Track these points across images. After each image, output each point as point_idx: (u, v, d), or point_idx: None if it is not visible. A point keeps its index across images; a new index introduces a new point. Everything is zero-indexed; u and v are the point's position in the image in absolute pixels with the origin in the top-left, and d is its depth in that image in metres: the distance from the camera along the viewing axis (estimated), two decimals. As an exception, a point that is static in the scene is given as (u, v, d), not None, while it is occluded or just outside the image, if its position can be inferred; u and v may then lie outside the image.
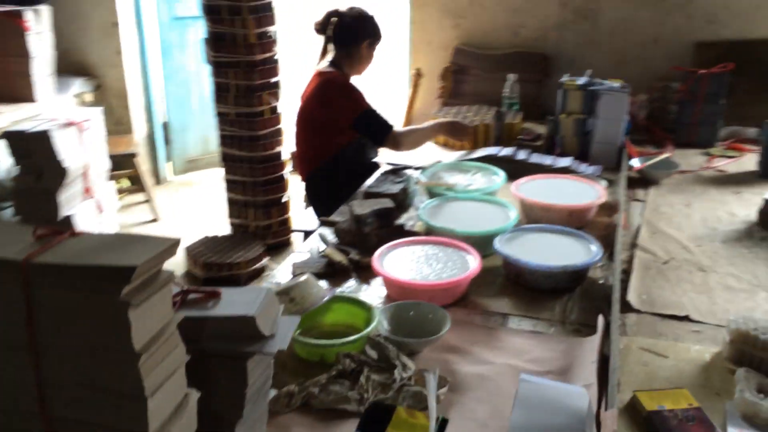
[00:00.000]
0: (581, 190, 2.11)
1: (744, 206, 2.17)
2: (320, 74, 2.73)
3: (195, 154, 4.89)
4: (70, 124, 3.18)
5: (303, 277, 1.50)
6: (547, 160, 2.50)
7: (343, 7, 2.78)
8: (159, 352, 0.86)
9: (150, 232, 4.00)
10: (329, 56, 2.79)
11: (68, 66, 4.45)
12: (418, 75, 3.38)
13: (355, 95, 2.68)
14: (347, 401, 1.22)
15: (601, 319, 1.42)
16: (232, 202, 3.61)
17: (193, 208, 4.37)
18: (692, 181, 2.42)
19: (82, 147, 3.24)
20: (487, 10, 3.41)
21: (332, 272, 1.78)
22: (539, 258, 1.67)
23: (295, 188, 3.79)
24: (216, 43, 3.35)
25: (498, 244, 1.74)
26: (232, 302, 1.11)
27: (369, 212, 1.88)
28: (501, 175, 2.21)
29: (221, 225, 3.94)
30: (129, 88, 4.45)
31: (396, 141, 2.66)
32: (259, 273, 3.37)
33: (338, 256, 1.80)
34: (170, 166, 4.85)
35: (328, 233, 2.00)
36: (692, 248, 1.87)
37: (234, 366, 1.08)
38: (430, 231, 1.92)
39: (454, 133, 2.74)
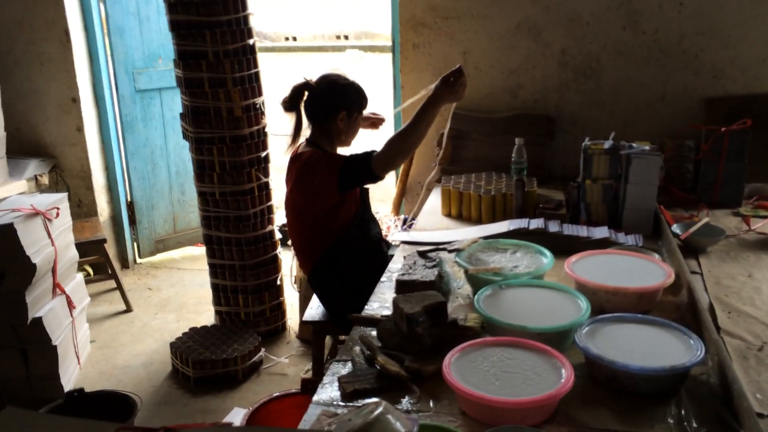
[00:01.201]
0: (640, 267, 1.90)
1: (808, 274, 2.01)
2: (296, 158, 2.44)
3: (163, 234, 4.54)
4: (35, 214, 2.84)
5: (378, 410, 1.21)
6: (581, 231, 2.30)
7: (313, 78, 2.46)
8: None
9: (123, 324, 3.62)
10: (307, 134, 2.49)
11: (19, 146, 4.09)
12: (413, 142, 3.19)
13: (330, 164, 2.35)
14: None
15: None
16: (218, 288, 3.27)
17: (167, 294, 4.01)
18: (737, 247, 2.26)
19: (49, 239, 2.89)
20: (482, 73, 3.27)
21: (387, 386, 1.51)
22: (630, 356, 1.44)
23: (285, 265, 3.49)
24: (196, 118, 3.08)
25: (581, 341, 1.51)
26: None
27: (420, 309, 1.63)
28: (548, 254, 1.99)
29: (202, 313, 3.59)
30: (93, 167, 4.12)
31: (383, 161, 2.29)
32: (257, 367, 3.02)
33: (393, 366, 1.54)
34: (136, 248, 4.49)
35: (369, 334, 1.72)
36: (782, 329, 1.68)
37: None
38: (488, 326, 1.67)
39: (452, 96, 2.35)
